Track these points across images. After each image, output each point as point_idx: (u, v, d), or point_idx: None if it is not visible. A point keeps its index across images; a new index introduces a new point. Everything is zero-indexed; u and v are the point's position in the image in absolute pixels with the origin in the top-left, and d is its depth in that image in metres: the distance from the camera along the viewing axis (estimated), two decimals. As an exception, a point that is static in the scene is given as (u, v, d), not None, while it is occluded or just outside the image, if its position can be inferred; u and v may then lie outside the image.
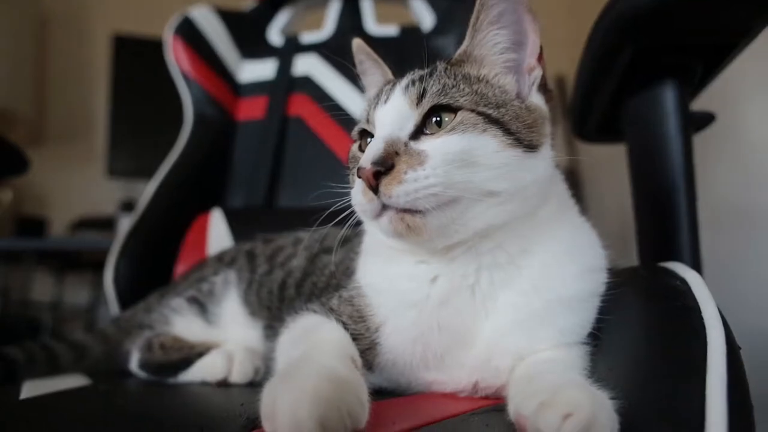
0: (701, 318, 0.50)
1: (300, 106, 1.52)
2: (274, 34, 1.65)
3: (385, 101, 0.63)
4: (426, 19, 1.57)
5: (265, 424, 0.43)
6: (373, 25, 1.61)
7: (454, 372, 0.62)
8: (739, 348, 0.49)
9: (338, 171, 1.40)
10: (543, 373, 0.54)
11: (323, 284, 0.78)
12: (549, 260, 0.62)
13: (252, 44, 1.62)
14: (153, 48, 2.05)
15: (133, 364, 0.88)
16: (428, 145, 0.57)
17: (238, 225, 1.31)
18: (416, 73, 0.65)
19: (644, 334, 0.55)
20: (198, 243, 1.31)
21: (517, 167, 0.58)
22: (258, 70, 1.59)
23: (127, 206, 2.60)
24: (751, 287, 1.55)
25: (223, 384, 0.79)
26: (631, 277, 0.63)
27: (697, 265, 0.77)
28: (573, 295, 0.61)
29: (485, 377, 0.61)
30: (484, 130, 0.58)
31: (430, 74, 0.63)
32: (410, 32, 1.56)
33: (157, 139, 1.97)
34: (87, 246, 2.51)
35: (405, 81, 0.63)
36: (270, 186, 1.45)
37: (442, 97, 0.59)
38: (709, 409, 0.41)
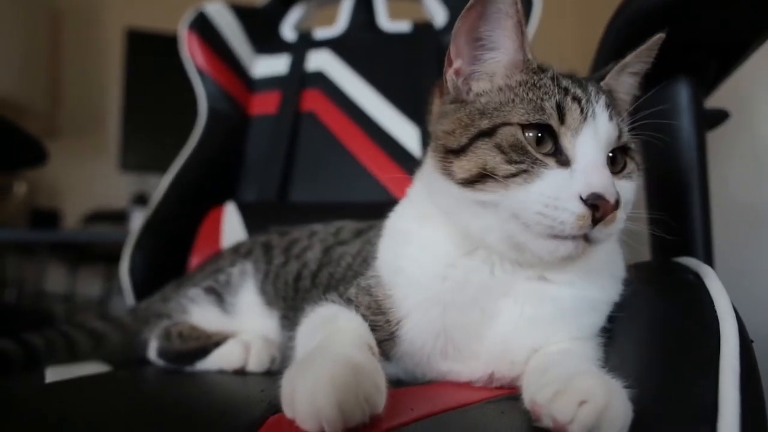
0: (714, 311, 0.51)
1: (313, 102, 1.53)
2: (288, 30, 1.66)
3: (593, 116, 0.57)
4: (438, 15, 1.57)
5: (286, 410, 0.45)
6: (385, 21, 1.62)
7: (471, 363, 0.63)
8: (752, 341, 0.50)
9: (350, 166, 1.42)
10: (557, 363, 0.55)
11: (340, 275, 0.79)
12: (590, 266, 0.62)
13: (265, 39, 1.64)
14: (166, 42, 2.06)
15: (152, 352, 0.89)
16: (617, 185, 0.56)
17: (251, 218, 1.33)
18: (599, 91, 0.61)
19: (658, 326, 0.56)
20: (212, 236, 1.32)
21: None
22: (271, 65, 1.61)
23: (140, 200, 2.62)
24: (763, 284, 1.55)
25: (240, 373, 0.80)
26: (645, 272, 0.64)
27: (709, 261, 0.78)
28: (599, 300, 0.63)
29: (501, 369, 0.62)
30: (638, 175, 0.62)
31: (609, 97, 0.61)
32: (423, 28, 1.57)
33: (169, 134, 1.98)
34: (100, 238, 2.53)
35: (603, 101, 0.59)
36: (283, 180, 1.46)
37: (629, 139, 0.61)
38: (722, 399, 0.42)
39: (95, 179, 2.91)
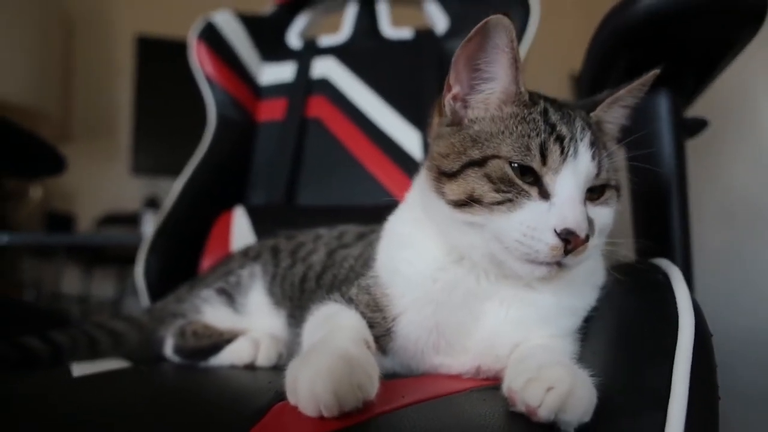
0: (676, 307, 0.57)
1: (318, 108, 1.58)
2: (293, 38, 1.71)
3: (574, 155, 0.61)
4: (440, 21, 1.61)
5: (289, 397, 0.52)
6: (388, 28, 1.66)
7: (460, 357, 0.69)
8: (711, 335, 0.55)
9: (355, 170, 1.47)
10: (534, 355, 0.61)
11: (343, 276, 0.84)
12: (572, 277, 0.67)
13: (272, 47, 1.68)
14: (176, 49, 2.12)
15: (168, 349, 0.95)
16: (593, 212, 0.62)
17: (259, 221, 1.38)
18: (585, 127, 0.64)
19: (626, 322, 0.62)
20: (222, 239, 1.38)
21: None
22: (277, 73, 1.65)
23: (151, 203, 2.69)
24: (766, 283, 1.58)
25: (250, 368, 0.86)
26: (620, 272, 0.69)
27: (687, 262, 0.83)
28: (579, 306, 0.69)
29: (487, 362, 0.68)
30: (616, 201, 0.66)
31: (595, 132, 0.65)
32: (424, 35, 1.61)
33: (179, 138, 2.05)
34: (113, 241, 2.59)
35: (587, 139, 0.63)
36: (290, 184, 1.51)
37: (610, 175, 0.65)
38: (674, 386, 0.48)
39: (108, 183, 2.98)
